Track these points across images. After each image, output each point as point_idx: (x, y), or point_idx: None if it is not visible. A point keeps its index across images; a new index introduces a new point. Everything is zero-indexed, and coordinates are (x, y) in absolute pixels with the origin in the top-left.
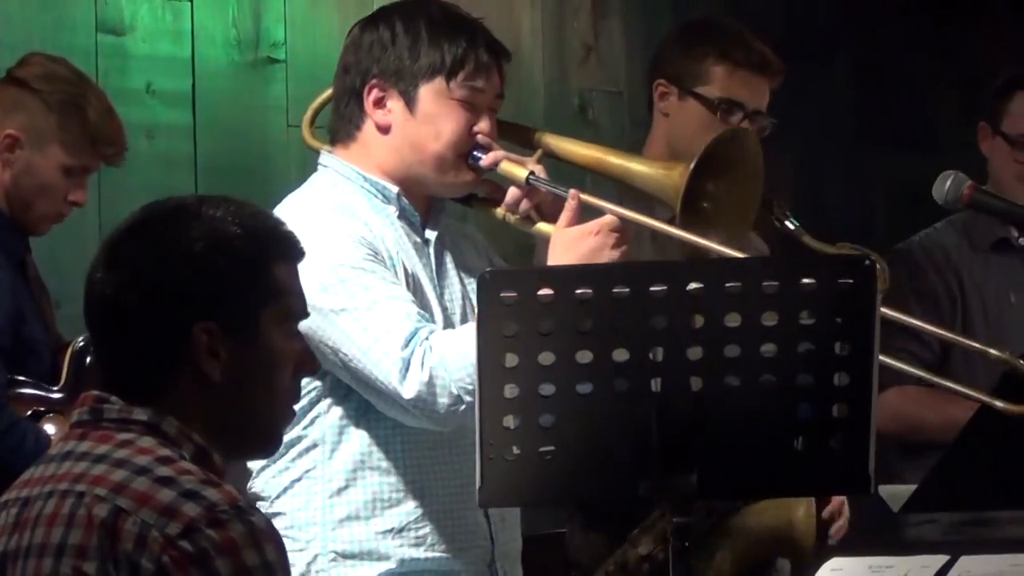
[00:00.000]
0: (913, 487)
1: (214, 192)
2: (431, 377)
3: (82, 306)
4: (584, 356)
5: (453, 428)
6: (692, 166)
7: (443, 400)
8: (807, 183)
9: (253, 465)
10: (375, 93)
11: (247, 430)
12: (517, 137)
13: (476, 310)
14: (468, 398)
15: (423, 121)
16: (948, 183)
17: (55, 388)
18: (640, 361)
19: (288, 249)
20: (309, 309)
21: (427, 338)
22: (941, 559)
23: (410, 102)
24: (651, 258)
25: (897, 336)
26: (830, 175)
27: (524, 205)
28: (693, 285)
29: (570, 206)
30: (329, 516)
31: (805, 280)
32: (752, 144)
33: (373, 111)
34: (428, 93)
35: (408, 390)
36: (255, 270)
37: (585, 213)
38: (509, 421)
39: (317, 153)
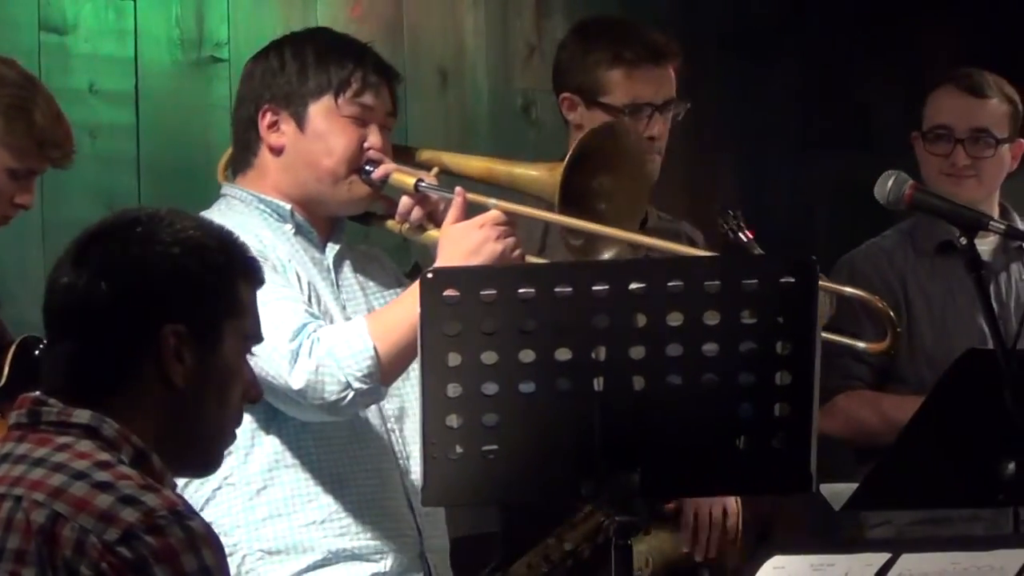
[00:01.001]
0: (854, 485)
1: (159, 192)
2: (318, 367)
3: (21, 306)
4: (527, 355)
5: (347, 417)
6: (567, 160)
7: (332, 388)
8: (751, 183)
9: (178, 481)
10: (268, 117)
11: (193, 442)
12: (407, 158)
13: (420, 310)
14: (358, 385)
15: (314, 138)
16: (890, 183)
17: None
18: (583, 360)
19: (253, 271)
20: None
21: (315, 331)
22: (882, 557)
23: (301, 121)
24: (540, 254)
25: (832, 353)
26: (774, 175)
27: (416, 213)
28: (635, 284)
29: (456, 203)
30: (252, 516)
31: (747, 280)
32: (630, 136)
33: (267, 134)
34: (318, 111)
35: (296, 380)
36: (224, 281)
37: (474, 212)
38: (452, 420)
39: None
